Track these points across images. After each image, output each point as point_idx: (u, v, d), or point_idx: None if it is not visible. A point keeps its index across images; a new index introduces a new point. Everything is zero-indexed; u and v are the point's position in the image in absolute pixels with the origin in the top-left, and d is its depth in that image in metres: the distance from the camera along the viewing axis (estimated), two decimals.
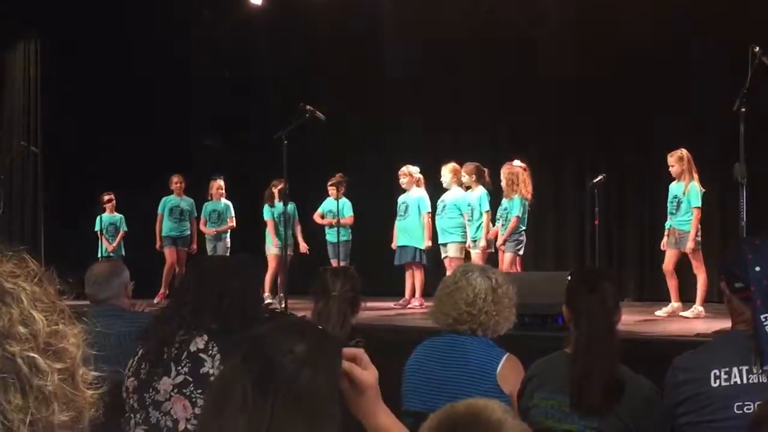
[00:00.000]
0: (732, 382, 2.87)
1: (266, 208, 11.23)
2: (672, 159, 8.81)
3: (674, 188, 8.85)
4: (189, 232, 11.82)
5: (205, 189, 11.84)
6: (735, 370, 2.88)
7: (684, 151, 8.80)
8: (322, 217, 11.14)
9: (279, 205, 11.10)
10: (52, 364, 0.95)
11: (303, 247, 11.23)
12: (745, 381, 2.88)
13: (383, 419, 1.90)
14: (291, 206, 10.84)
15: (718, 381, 2.89)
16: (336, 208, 10.48)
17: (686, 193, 8.67)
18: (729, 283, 3.05)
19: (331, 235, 10.84)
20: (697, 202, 8.63)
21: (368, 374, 1.82)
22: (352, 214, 10.93)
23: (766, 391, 2.78)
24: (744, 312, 2.99)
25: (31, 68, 14.36)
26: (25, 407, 0.92)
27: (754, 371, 2.87)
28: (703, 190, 8.77)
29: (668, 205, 8.89)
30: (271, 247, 11.09)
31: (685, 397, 2.97)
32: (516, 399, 3.42)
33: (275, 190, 11.12)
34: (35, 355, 0.94)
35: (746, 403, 2.84)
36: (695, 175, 8.72)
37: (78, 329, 1.02)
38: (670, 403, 3.03)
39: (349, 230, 10.94)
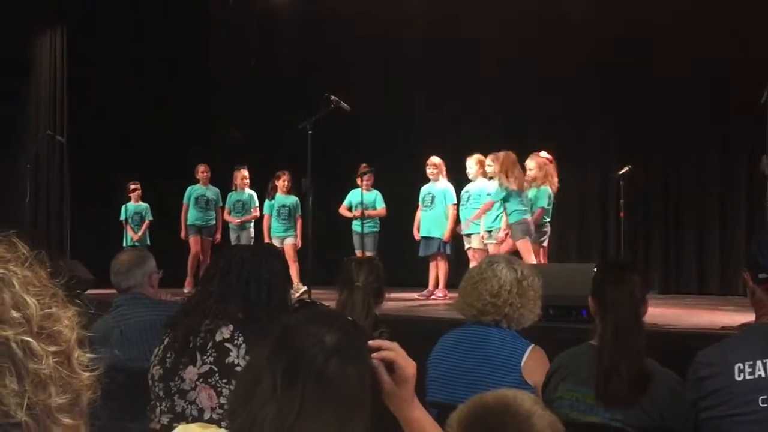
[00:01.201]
0: (756, 376, 2.83)
1: (266, 202, 11.30)
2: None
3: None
4: (214, 222, 11.85)
5: (228, 179, 11.87)
6: (759, 363, 2.84)
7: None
8: (350, 209, 10.98)
9: (279, 197, 11.15)
10: (46, 348, 0.94)
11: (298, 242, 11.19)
12: None
13: (418, 413, 1.90)
14: (294, 200, 10.92)
15: (742, 374, 2.85)
16: (364, 199, 10.47)
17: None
18: (752, 274, 3.02)
19: (358, 226, 10.76)
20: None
21: (409, 365, 1.83)
22: (384, 205, 10.87)
23: None
24: (767, 304, 2.96)
25: (57, 57, 14.43)
26: (21, 391, 0.91)
27: None
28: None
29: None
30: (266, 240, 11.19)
31: (709, 391, 2.93)
32: (540, 391, 3.41)
33: (278, 183, 11.16)
34: (29, 339, 0.93)
35: None
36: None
37: (72, 312, 1.01)
38: (693, 398, 3.00)
39: (378, 222, 10.88)
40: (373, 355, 1.79)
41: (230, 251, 3.59)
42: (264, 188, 11.69)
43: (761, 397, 2.80)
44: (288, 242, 11.08)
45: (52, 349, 0.95)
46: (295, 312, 1.81)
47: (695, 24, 10.48)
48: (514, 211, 9.00)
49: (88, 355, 1.01)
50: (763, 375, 2.82)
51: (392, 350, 1.82)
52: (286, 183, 11.12)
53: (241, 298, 3.31)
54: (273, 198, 11.25)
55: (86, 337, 1.02)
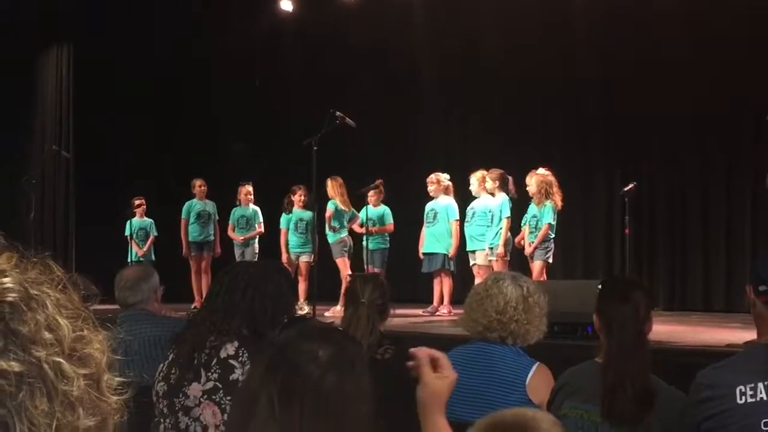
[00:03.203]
0: (758, 399, 2.79)
1: (283, 216, 11.26)
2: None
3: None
4: (213, 237, 11.83)
5: (229, 194, 11.83)
6: (760, 385, 2.80)
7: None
8: (362, 225, 10.69)
9: (297, 211, 11.10)
10: (77, 370, 0.95)
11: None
12: None
13: (444, 421, 1.93)
14: (310, 214, 10.82)
15: (743, 397, 2.81)
16: (374, 215, 10.46)
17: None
18: (754, 286, 2.99)
19: (369, 243, 10.58)
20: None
21: (451, 372, 1.87)
22: (392, 221, 10.82)
23: None
24: (767, 319, 2.94)
25: (63, 73, 14.49)
26: (51, 412, 0.92)
27: None
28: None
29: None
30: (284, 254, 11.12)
31: (710, 414, 2.89)
32: (545, 409, 3.39)
33: (294, 197, 11.12)
34: (61, 360, 0.94)
35: None
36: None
37: (102, 335, 1.02)
38: (695, 420, 2.97)
39: (387, 238, 10.80)
40: (420, 350, 1.86)
41: (236, 267, 3.59)
42: (268, 204, 11.69)
43: (763, 421, 2.77)
44: (303, 259, 10.97)
45: (83, 371, 0.96)
46: (286, 328, 1.82)
47: (699, 42, 10.48)
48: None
49: (117, 378, 1.02)
50: (765, 398, 2.79)
51: (439, 358, 1.87)
52: (302, 197, 11.05)
53: (246, 314, 3.31)
54: (290, 212, 11.20)
55: (115, 361, 1.03)
